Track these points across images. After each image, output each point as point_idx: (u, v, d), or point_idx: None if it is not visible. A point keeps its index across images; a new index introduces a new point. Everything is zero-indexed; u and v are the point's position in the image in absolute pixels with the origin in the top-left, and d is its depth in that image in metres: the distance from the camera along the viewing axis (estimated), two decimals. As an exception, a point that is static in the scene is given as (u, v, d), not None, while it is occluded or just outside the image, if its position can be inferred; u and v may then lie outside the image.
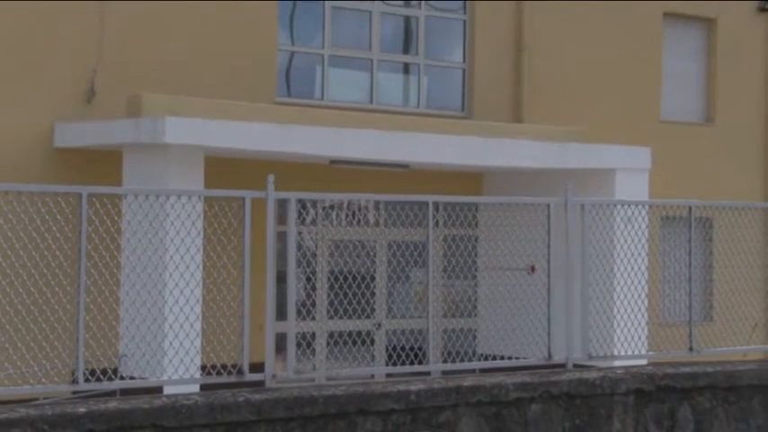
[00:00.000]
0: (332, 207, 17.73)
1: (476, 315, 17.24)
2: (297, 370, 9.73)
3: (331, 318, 16.23)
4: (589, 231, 10.87)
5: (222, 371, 9.22)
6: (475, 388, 9.38)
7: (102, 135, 15.26)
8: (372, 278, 17.38)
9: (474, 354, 15.03)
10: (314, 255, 17.40)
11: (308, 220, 17.33)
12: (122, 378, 10.33)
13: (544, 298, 10.71)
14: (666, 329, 12.27)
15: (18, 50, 15.54)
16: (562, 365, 10.54)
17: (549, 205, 10.75)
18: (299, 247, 16.64)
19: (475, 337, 17.25)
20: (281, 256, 9.66)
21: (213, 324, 11.43)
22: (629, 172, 17.61)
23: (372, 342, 17.67)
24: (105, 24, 16.03)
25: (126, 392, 9.74)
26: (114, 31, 16.06)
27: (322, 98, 18.06)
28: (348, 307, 11.13)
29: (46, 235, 10.02)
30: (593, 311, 10.84)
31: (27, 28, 15.60)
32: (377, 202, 17.31)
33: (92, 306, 9.28)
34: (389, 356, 16.79)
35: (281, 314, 9.51)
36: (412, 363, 10.35)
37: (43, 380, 10.47)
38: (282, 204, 9.60)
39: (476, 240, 13.46)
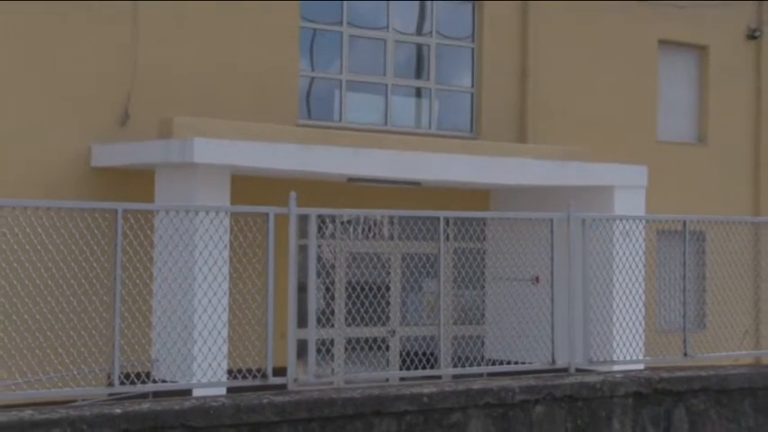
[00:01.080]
0: (349, 222, 17.75)
1: (484, 323, 17.21)
2: (317, 374, 9.75)
3: (349, 325, 16.23)
4: (590, 244, 10.86)
5: (247, 375, 9.23)
6: (483, 391, 9.37)
7: (135, 155, 15.32)
8: (387, 288, 17.38)
9: (482, 359, 15.00)
10: (333, 266, 17.41)
11: (328, 233, 17.35)
12: (155, 381, 10.35)
13: (548, 306, 10.70)
14: (662, 336, 12.24)
15: (58, 77, 15.63)
16: (565, 370, 10.52)
17: (552, 220, 10.75)
18: (319, 259, 16.66)
19: (483, 344, 17.22)
20: (302, 267, 9.67)
21: (239, 331, 11.44)
22: (627, 189, 17.58)
23: (387, 348, 17.65)
24: (139, 53, 16.11)
25: (158, 395, 9.76)
26: (147, 59, 16.14)
27: (340, 120, 18.10)
28: (365, 315, 11.13)
29: (84, 248, 10.06)
30: (594, 319, 10.82)
31: (67, 57, 15.69)
32: (391, 217, 17.33)
33: (126, 314, 9.30)
34: (403, 361, 16.68)
35: (302, 322, 9.51)
36: (424, 367, 10.35)
37: (81, 383, 10.50)
38: (303, 219, 9.61)
39: (484, 253, 13.46)
